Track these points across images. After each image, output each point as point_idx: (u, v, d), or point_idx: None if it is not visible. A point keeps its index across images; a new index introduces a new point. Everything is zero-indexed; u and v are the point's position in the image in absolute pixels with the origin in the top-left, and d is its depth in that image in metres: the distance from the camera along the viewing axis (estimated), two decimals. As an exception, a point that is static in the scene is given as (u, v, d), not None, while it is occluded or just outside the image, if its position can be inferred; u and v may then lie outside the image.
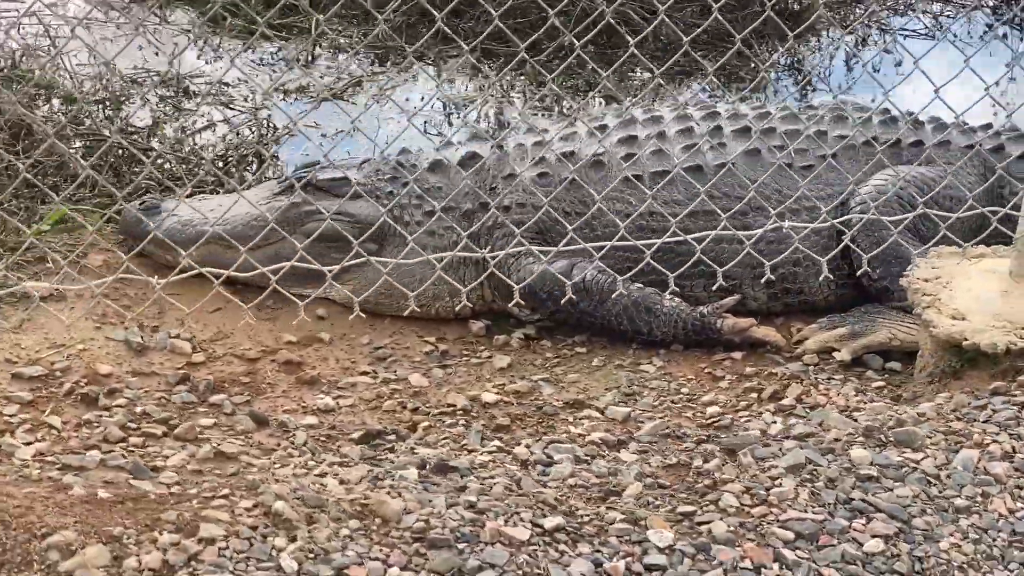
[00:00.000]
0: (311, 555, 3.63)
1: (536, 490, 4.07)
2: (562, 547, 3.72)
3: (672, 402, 5.21)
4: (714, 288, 5.45)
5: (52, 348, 5.48)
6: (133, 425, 4.97)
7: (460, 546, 3.68)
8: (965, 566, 3.73)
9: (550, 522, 3.80)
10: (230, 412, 5.18)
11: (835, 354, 5.54)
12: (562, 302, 5.58)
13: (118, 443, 4.81)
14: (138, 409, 5.09)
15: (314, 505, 3.85)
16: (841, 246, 5.52)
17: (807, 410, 4.95)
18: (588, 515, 3.91)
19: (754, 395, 5.20)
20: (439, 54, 9.19)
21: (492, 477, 4.24)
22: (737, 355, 5.61)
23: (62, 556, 3.53)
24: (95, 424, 4.96)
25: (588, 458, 4.45)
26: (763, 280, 5.56)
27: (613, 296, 5.62)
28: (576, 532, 3.80)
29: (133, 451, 4.76)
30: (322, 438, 5.00)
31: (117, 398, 5.18)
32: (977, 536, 3.85)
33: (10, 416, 4.96)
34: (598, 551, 3.72)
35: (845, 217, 5.64)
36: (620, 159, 6.01)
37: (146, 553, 3.56)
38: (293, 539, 3.68)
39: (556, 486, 4.14)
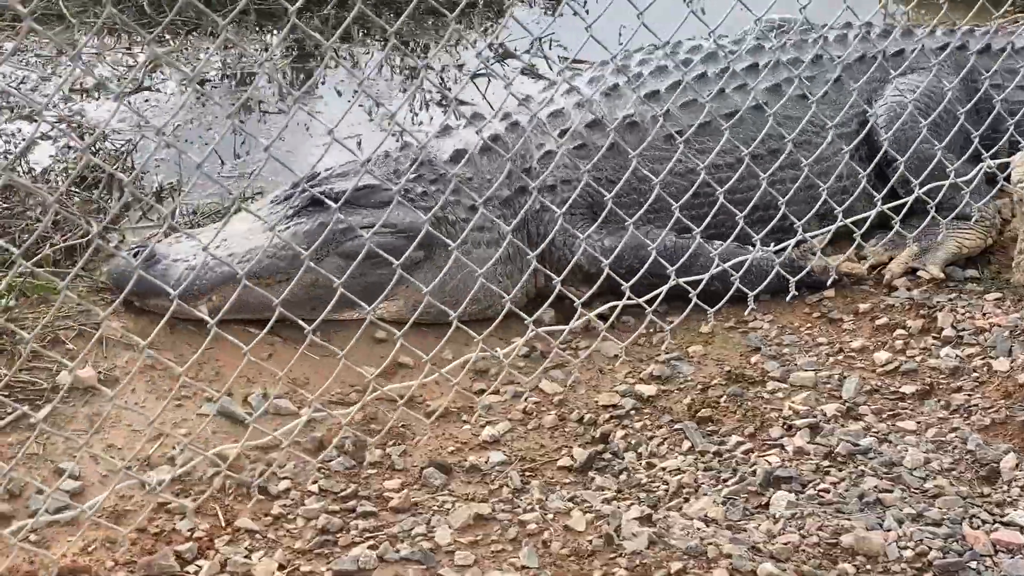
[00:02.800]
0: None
1: (925, 485, 4.01)
2: (1047, 538, 3.70)
3: (827, 355, 5.19)
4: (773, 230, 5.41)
5: (152, 441, 4.82)
6: (335, 507, 4.49)
7: (971, 564, 3.60)
8: None
9: (1020, 516, 3.76)
10: (401, 468, 4.76)
11: (921, 273, 5.68)
12: (643, 272, 5.34)
13: (342, 532, 4.35)
14: (312, 487, 4.59)
15: (783, 558, 3.65)
16: (892, 182, 5.60)
17: (974, 337, 5.06)
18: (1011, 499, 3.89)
19: (901, 332, 5.27)
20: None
21: (844, 481, 4.13)
22: (829, 293, 5.64)
23: None
24: (292, 516, 4.46)
25: (884, 438, 4.40)
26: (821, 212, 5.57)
27: (701, 258, 5.49)
28: (1034, 518, 3.79)
29: (376, 536, 4.32)
30: (527, 472, 4.69)
31: (277, 481, 4.65)
32: None
33: (186, 532, 4.37)
34: (1081, 532, 3.72)
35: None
36: (652, 118, 5.84)
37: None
38: (814, 601, 3.49)
39: (924, 474, 4.08)
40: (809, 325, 5.46)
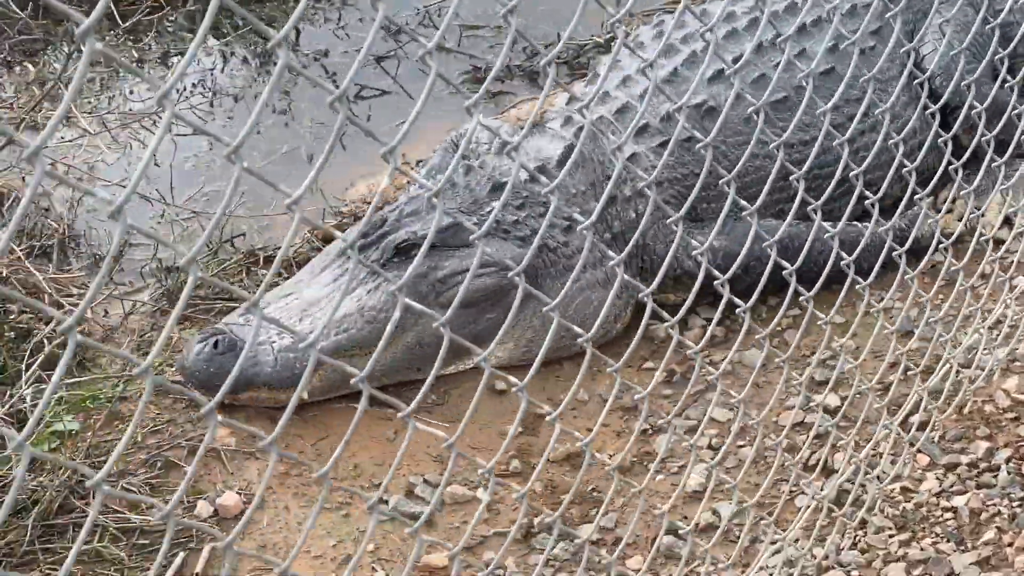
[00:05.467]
0: None
1: None
2: None
3: (989, 328, 4.93)
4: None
5: (342, 566, 4.19)
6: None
7: None
8: None
9: None
10: (631, 542, 4.35)
11: (1016, 219, 5.44)
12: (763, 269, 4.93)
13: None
14: None
15: None
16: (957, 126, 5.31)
17: None
18: None
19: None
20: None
21: None
22: (938, 257, 5.34)
23: None
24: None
25: None
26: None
27: (817, 243, 5.10)
28: None
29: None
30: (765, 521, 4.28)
31: None
32: None
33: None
34: None
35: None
36: (725, 100, 5.41)
37: None
38: None
39: None
40: (942, 296, 5.16)
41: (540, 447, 4.77)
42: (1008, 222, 5.52)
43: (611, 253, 4.36)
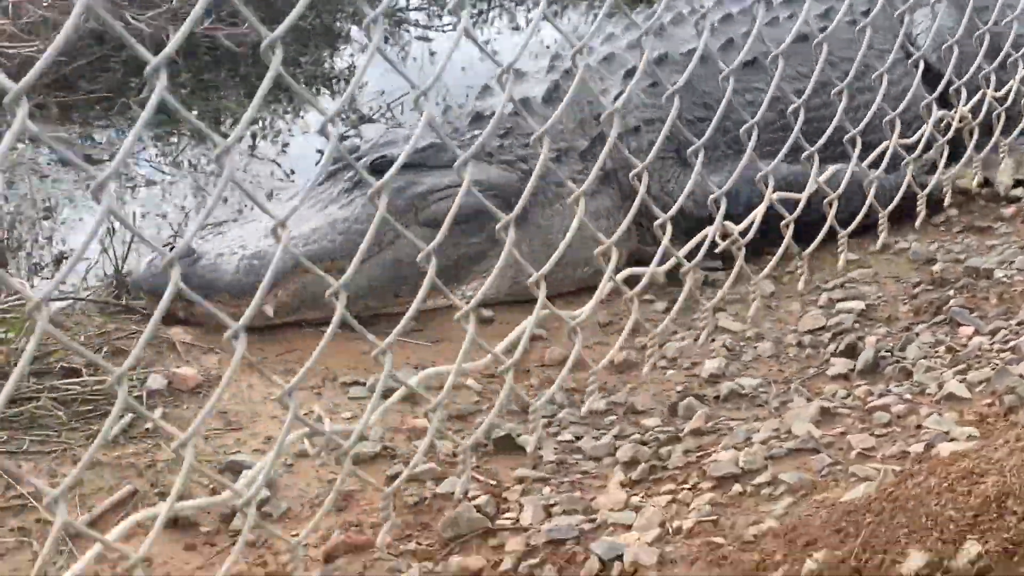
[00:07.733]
0: None
1: None
2: None
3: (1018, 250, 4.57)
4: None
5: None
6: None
7: None
8: None
9: None
10: (643, 409, 3.79)
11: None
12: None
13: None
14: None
15: None
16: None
17: None
18: None
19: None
20: None
21: None
22: (952, 211, 5.02)
23: None
24: (574, 462, 3.45)
25: None
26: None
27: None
28: None
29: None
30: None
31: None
32: None
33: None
34: None
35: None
36: (719, 49, 5.19)
37: None
38: None
39: None
40: (959, 239, 4.80)
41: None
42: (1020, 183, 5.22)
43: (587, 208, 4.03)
